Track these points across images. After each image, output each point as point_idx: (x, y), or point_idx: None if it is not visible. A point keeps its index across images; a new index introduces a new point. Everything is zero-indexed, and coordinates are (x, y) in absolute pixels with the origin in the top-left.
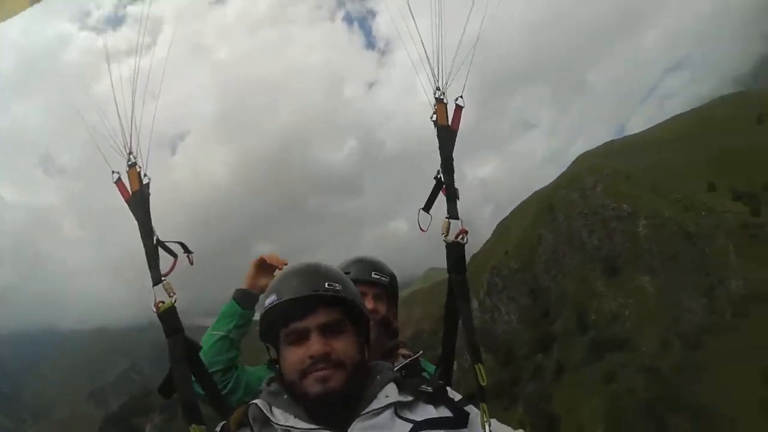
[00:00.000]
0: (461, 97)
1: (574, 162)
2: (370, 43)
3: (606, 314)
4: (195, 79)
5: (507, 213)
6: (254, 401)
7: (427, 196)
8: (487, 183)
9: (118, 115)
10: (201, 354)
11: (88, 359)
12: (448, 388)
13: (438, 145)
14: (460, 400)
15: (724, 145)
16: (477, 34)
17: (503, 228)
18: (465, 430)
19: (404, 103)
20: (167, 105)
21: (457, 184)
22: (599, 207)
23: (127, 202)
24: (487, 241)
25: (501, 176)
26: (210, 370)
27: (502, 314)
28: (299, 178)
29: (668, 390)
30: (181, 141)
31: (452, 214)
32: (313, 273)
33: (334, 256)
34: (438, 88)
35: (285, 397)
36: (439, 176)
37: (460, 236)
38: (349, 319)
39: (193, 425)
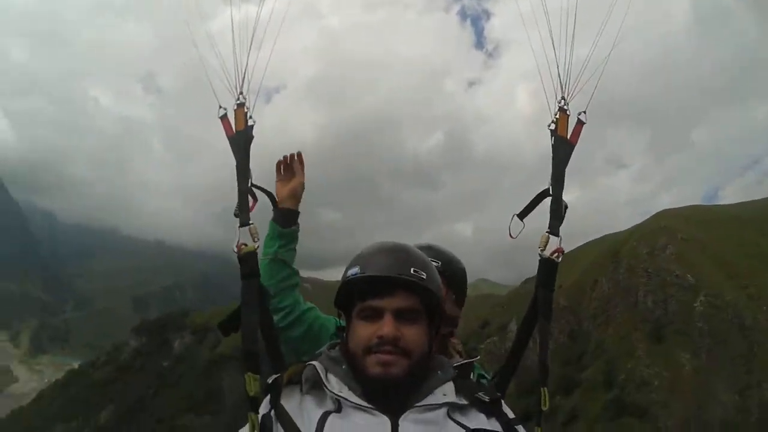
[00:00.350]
0: (584, 113)
1: (654, 216)
2: (480, 43)
3: (636, 378)
4: (302, 38)
5: (573, 246)
6: (312, 362)
7: (525, 204)
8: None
9: (235, 54)
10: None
11: (138, 267)
12: (503, 402)
13: (552, 155)
14: (514, 418)
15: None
16: (608, 52)
17: (564, 260)
18: None
19: (501, 111)
20: (275, 56)
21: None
22: (663, 270)
23: (229, 139)
24: None
25: (578, 207)
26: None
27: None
28: (380, 158)
29: None
30: (276, 93)
31: (554, 229)
32: (402, 255)
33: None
34: (563, 98)
35: (344, 367)
36: (547, 187)
37: (556, 254)
38: (425, 308)
39: (249, 373)
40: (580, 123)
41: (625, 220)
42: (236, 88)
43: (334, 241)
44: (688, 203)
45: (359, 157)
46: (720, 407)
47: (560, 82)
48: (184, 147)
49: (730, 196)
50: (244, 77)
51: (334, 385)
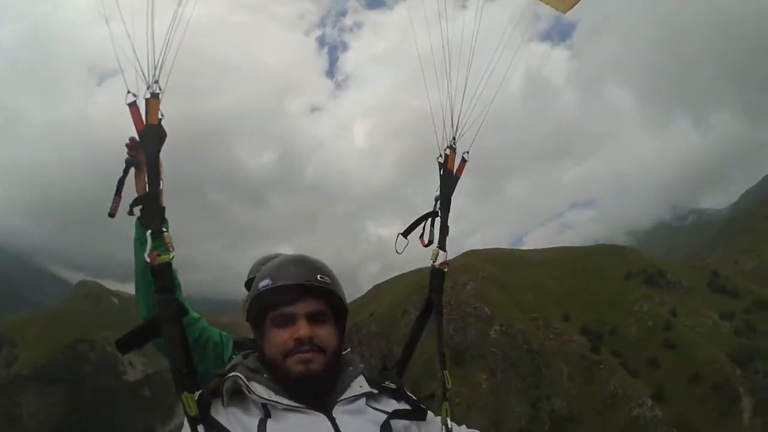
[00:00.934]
0: (467, 152)
1: (461, 254)
2: (331, 72)
3: (438, 395)
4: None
5: (389, 276)
6: (233, 374)
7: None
8: (383, 242)
9: (150, 40)
10: (138, 293)
11: None
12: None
13: (440, 184)
14: (419, 399)
15: (591, 285)
16: (490, 100)
17: (378, 290)
18: (423, 423)
19: (337, 141)
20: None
21: (357, 234)
22: (464, 303)
23: (139, 133)
24: (361, 296)
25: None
26: (151, 311)
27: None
28: (211, 165)
29: None
30: (111, 75)
31: (442, 245)
32: (308, 264)
33: (213, 254)
34: (454, 138)
35: (265, 375)
36: (435, 210)
37: (443, 265)
38: (332, 311)
39: (185, 393)
40: (463, 161)
41: (450, 254)
42: (150, 76)
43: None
44: (495, 245)
45: (188, 159)
46: (515, 418)
47: (452, 123)
48: None
49: (533, 241)
50: (160, 67)
51: (261, 391)
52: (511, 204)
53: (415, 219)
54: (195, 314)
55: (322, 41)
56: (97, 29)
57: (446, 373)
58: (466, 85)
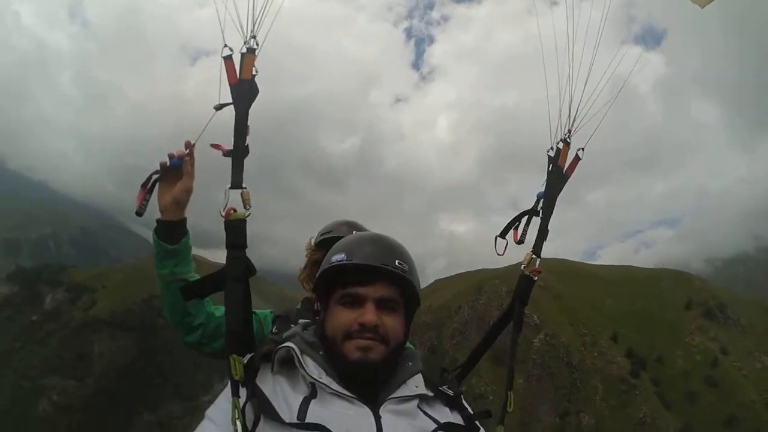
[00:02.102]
0: (582, 149)
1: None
2: (416, 64)
3: (475, 391)
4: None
5: (452, 273)
6: (288, 345)
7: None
8: (455, 239)
9: None
10: (163, 302)
11: (17, 207)
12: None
13: (546, 181)
14: (475, 413)
15: (648, 309)
16: (612, 98)
17: (439, 285)
18: None
19: (419, 133)
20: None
21: (430, 228)
22: None
23: (231, 87)
24: (422, 289)
25: (470, 240)
26: (179, 318)
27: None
28: (292, 149)
29: None
30: (205, 55)
31: (538, 251)
32: (388, 247)
33: (288, 232)
34: (570, 131)
35: (321, 352)
36: (536, 209)
37: (535, 273)
38: (404, 299)
39: (234, 355)
40: (577, 158)
41: (514, 259)
42: (248, 31)
43: (222, 223)
44: (568, 256)
45: (270, 142)
46: (542, 426)
47: (569, 115)
48: (94, 89)
49: (608, 256)
50: (258, 20)
51: (312, 369)
52: (591, 215)
53: (512, 217)
54: (220, 309)
55: (409, 33)
56: (192, 10)
57: (511, 394)
58: (590, 71)
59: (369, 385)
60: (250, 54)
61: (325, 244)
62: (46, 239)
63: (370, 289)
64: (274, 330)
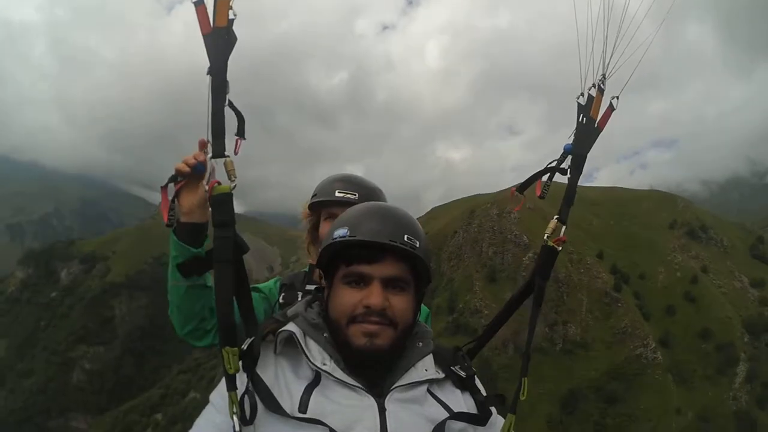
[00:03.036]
0: (617, 98)
1: (513, 185)
2: None
3: (471, 307)
4: None
5: (450, 200)
6: (289, 328)
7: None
8: (451, 166)
9: None
10: (174, 309)
11: (13, 191)
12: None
13: (575, 133)
14: (487, 397)
15: (632, 228)
16: (650, 38)
17: (435, 212)
18: (482, 429)
19: (408, 61)
20: None
21: (425, 157)
22: (506, 229)
23: (204, 38)
24: (419, 217)
25: (466, 167)
26: (192, 323)
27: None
28: (282, 88)
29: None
30: (179, 2)
31: (564, 217)
32: (395, 220)
33: (284, 173)
34: (604, 76)
35: (326, 335)
36: (563, 167)
37: (559, 242)
38: (414, 276)
39: (227, 347)
40: (611, 108)
41: (507, 183)
42: None
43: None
44: (564, 179)
45: (260, 82)
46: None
47: (603, 57)
48: (71, 59)
49: (603, 178)
50: None
51: (315, 355)
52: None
53: (535, 172)
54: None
55: None
56: None
57: (525, 381)
58: (625, 8)
59: (375, 371)
60: (222, 0)
61: (315, 207)
62: (49, 217)
63: (377, 268)
64: (281, 300)
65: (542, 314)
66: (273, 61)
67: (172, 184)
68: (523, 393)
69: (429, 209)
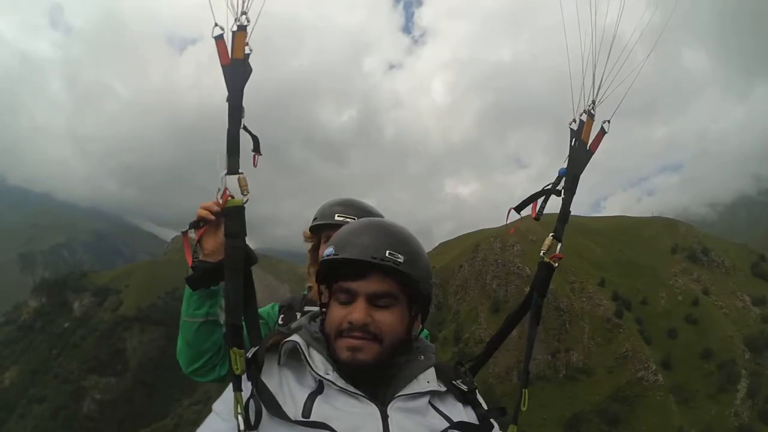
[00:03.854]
0: (608, 122)
1: (516, 219)
2: (407, 28)
3: (476, 337)
4: None
5: (456, 235)
6: (293, 339)
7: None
8: (460, 201)
9: None
10: (185, 345)
11: (26, 221)
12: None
13: (568, 157)
14: (489, 410)
15: (635, 255)
16: (639, 65)
17: (444, 247)
18: None
19: (415, 98)
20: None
21: (434, 192)
22: (509, 262)
23: (223, 68)
24: (429, 252)
25: (475, 201)
26: (201, 360)
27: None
28: (294, 126)
29: None
30: (191, 44)
31: (559, 235)
32: (381, 236)
33: (295, 210)
34: (594, 101)
35: (326, 346)
36: (557, 188)
37: (555, 259)
38: (404, 292)
39: (234, 349)
40: (602, 132)
41: (503, 219)
42: (238, 7)
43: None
44: (574, 210)
45: (273, 120)
46: (535, 363)
47: (593, 84)
48: (85, 92)
49: (611, 207)
50: None
51: (319, 365)
52: (595, 165)
53: (531, 194)
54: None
55: None
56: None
57: (526, 392)
58: (614, 37)
59: (371, 383)
60: (241, 32)
61: (315, 230)
62: (59, 248)
63: (362, 284)
64: (280, 321)
65: (545, 343)
66: (284, 99)
67: (193, 230)
68: (524, 404)
69: (437, 244)
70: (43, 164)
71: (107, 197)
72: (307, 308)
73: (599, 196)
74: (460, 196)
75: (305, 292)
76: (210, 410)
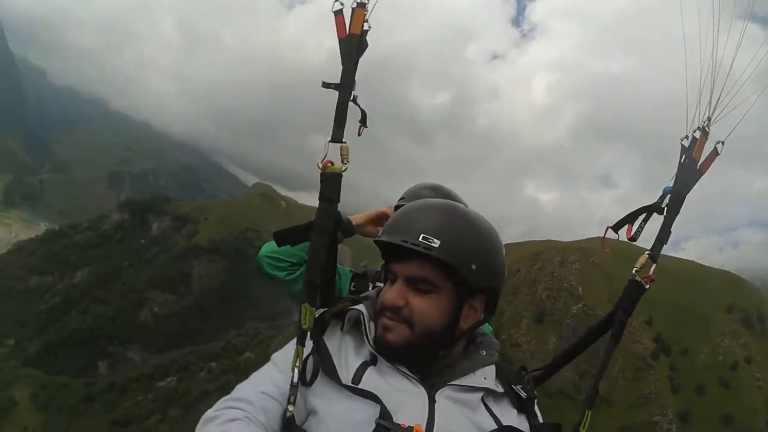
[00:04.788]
0: (722, 143)
1: (587, 239)
2: (517, 21)
3: (512, 341)
4: None
5: (524, 240)
6: (358, 308)
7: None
8: (537, 207)
9: None
10: (272, 251)
11: (120, 144)
12: (536, 402)
13: (676, 174)
14: (544, 424)
15: (690, 305)
16: (751, 101)
17: (507, 249)
18: None
19: (514, 93)
20: None
21: (514, 192)
22: (564, 278)
23: (340, 42)
24: None
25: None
26: (286, 263)
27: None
28: (381, 101)
29: None
30: (300, 4)
31: (655, 254)
32: (420, 219)
33: (371, 181)
34: (709, 118)
35: None
36: (660, 206)
37: (647, 280)
38: (450, 279)
39: (306, 304)
40: (714, 152)
41: (589, 235)
42: None
43: (314, 167)
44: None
45: (361, 93)
46: (561, 379)
47: (710, 101)
48: (195, 35)
49: (691, 249)
50: None
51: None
52: (688, 203)
53: (631, 211)
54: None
55: None
56: None
57: (589, 414)
58: (736, 52)
59: (417, 366)
60: (360, 8)
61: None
62: (147, 173)
63: (400, 267)
64: (352, 287)
65: (575, 363)
66: (377, 72)
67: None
68: (584, 426)
69: (508, 242)
70: (145, 95)
71: (200, 135)
72: (378, 284)
73: (681, 237)
74: (538, 201)
75: (378, 269)
76: (268, 359)
